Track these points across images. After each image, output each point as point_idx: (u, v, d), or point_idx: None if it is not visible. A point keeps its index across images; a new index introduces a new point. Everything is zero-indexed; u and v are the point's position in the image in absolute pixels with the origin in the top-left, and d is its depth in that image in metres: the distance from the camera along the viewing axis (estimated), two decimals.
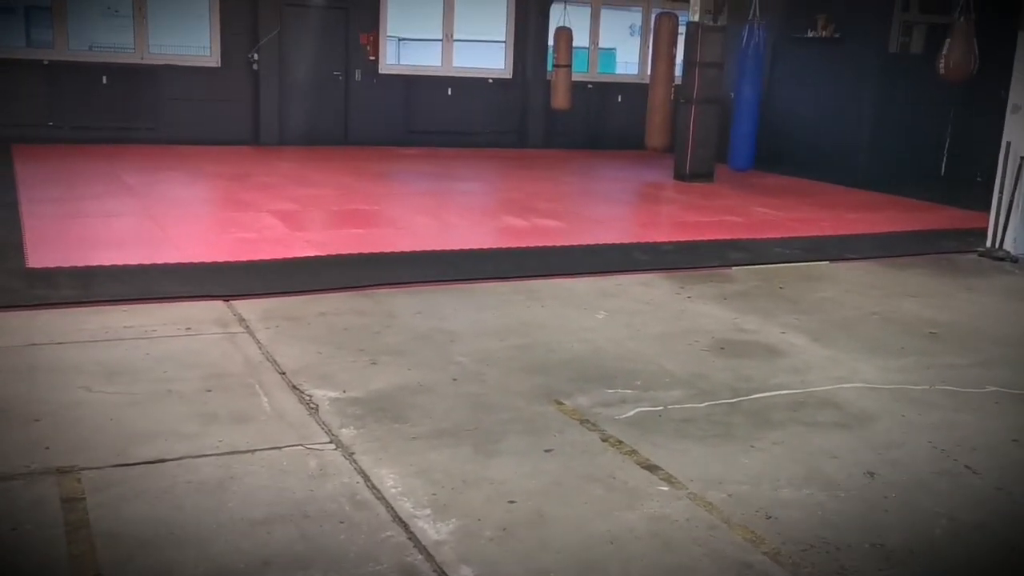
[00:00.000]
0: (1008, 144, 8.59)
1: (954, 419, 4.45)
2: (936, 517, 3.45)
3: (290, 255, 7.20)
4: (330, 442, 3.87)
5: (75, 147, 13.18)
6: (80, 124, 13.83)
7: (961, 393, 4.81)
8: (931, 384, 4.92)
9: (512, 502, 3.41)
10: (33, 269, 6.40)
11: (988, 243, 8.73)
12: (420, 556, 3.02)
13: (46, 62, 13.72)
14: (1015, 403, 4.70)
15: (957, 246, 8.94)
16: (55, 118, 13.76)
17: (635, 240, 8.69)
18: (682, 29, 13.39)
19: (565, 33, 15.71)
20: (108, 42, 15.65)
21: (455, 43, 16.41)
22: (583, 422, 4.20)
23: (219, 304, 5.82)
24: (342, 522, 3.21)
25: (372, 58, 15.41)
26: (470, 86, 16.38)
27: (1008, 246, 8.58)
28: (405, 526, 3.21)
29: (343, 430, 3.99)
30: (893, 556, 3.15)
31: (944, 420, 4.43)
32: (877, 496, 3.59)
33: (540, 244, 8.18)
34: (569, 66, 15.74)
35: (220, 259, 6.96)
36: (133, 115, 14.18)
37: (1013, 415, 4.54)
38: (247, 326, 5.40)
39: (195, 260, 6.87)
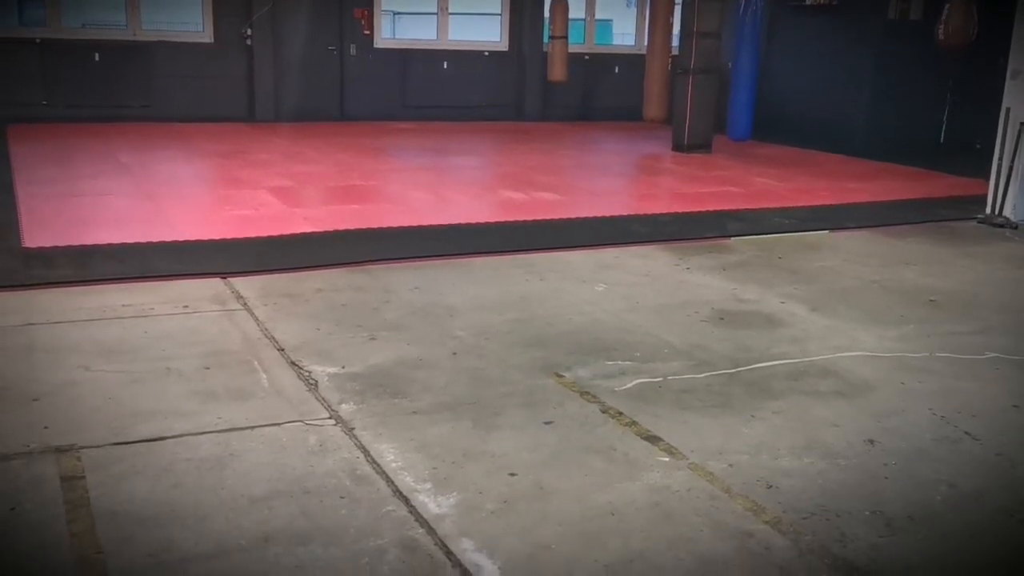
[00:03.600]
0: (1008, 110, 8.53)
1: (954, 386, 4.45)
2: (936, 484, 3.45)
3: (287, 232, 7.17)
4: (330, 418, 3.86)
5: (69, 126, 13.11)
6: (74, 103, 13.76)
7: (961, 360, 4.80)
8: (931, 352, 4.92)
9: (513, 475, 3.41)
10: (30, 249, 6.37)
11: (988, 210, 8.70)
12: (421, 530, 3.03)
13: (39, 40, 13.62)
14: (1015, 369, 4.70)
15: (956, 214, 8.91)
16: (49, 97, 13.68)
17: (633, 212, 8.66)
18: None
19: (561, 4, 15.59)
20: (100, 19, 15.52)
21: (450, 16, 16.29)
22: (583, 394, 4.20)
23: (217, 281, 5.80)
24: (342, 497, 3.21)
25: (367, 32, 15.30)
26: (466, 59, 16.28)
27: (1008, 213, 8.55)
28: (406, 500, 3.21)
29: (342, 405, 3.99)
30: (893, 523, 3.15)
31: (944, 387, 4.42)
32: (877, 464, 3.59)
33: (538, 217, 8.15)
34: (565, 38, 15.65)
35: (217, 237, 6.93)
36: (127, 93, 14.10)
37: (1013, 381, 4.54)
38: (245, 303, 5.39)
39: (192, 238, 6.84)
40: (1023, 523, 3.20)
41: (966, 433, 3.91)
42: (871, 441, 3.79)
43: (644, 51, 15.04)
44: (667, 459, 3.58)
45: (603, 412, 4.01)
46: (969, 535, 3.12)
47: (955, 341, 5.11)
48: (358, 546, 2.92)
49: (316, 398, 4.07)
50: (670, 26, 13.70)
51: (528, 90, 16.65)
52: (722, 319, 5.41)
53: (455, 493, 3.27)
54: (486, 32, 16.82)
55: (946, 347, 5.00)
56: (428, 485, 3.32)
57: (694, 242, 7.40)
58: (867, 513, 3.21)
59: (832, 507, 3.24)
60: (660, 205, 9.28)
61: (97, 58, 13.91)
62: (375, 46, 15.55)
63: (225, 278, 5.87)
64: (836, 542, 3.02)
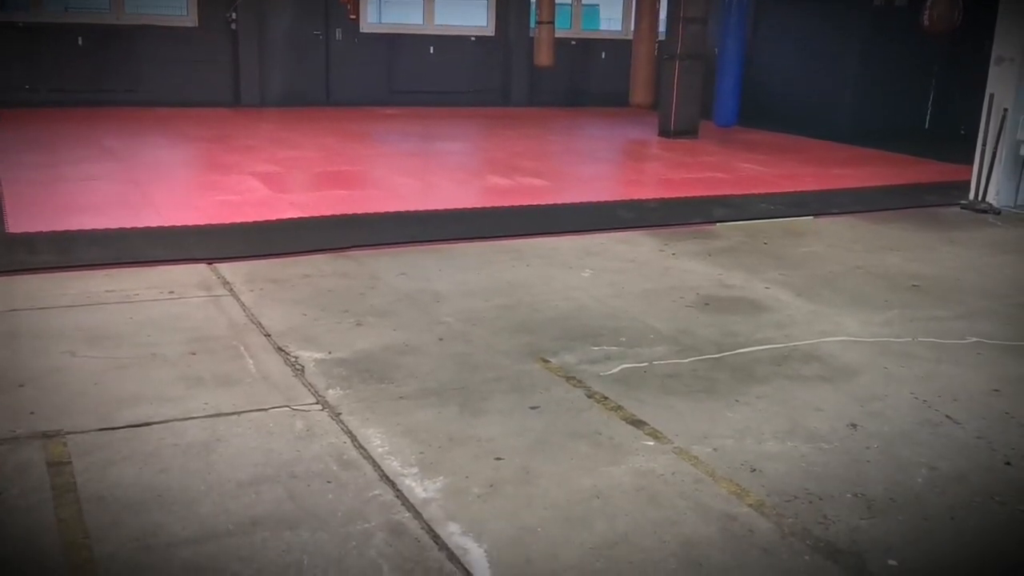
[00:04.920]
0: (991, 96, 8.58)
1: (936, 371, 4.49)
2: (917, 467, 3.49)
3: (273, 217, 7.16)
4: (316, 403, 3.87)
5: (53, 110, 13.02)
6: (58, 87, 13.65)
7: (943, 345, 4.85)
8: (914, 336, 4.96)
9: (499, 459, 3.43)
10: (13, 234, 6.34)
11: (971, 196, 8.76)
12: (408, 514, 3.04)
13: (21, 24, 13.49)
14: (996, 354, 4.75)
15: (940, 199, 8.97)
16: (32, 81, 13.57)
17: (620, 198, 8.67)
18: None
19: None
20: (83, 3, 15.37)
21: (436, 0, 16.21)
22: (568, 379, 4.22)
23: (202, 267, 5.79)
24: (329, 482, 3.23)
25: (352, 17, 15.21)
26: (452, 44, 16.23)
27: (991, 199, 8.61)
28: (392, 485, 3.22)
29: (329, 391, 3.99)
30: (875, 505, 3.19)
31: (926, 372, 4.46)
32: (860, 447, 3.63)
33: (524, 203, 8.16)
34: (552, 23, 15.59)
35: (203, 222, 6.91)
36: (111, 77, 14.00)
37: (994, 366, 4.58)
38: (231, 289, 5.38)
39: (177, 223, 6.82)
40: (1003, 504, 3.24)
41: (947, 417, 3.95)
42: (854, 425, 3.83)
43: (631, 36, 15.03)
44: (652, 443, 3.61)
45: (589, 397, 4.03)
46: (950, 516, 3.16)
47: (938, 326, 5.16)
48: (345, 530, 2.93)
49: (303, 383, 4.07)
50: (657, 11, 13.69)
51: (514, 75, 16.61)
52: (707, 304, 5.43)
53: (441, 477, 3.28)
54: (472, 17, 16.76)
55: (929, 332, 5.04)
56: (415, 470, 3.33)
57: (680, 228, 7.43)
58: (849, 496, 3.25)
59: (815, 490, 3.27)
60: (646, 191, 9.30)
61: (80, 42, 13.80)
62: (361, 31, 15.49)
63: (211, 263, 5.85)
64: (818, 524, 3.06)
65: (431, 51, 16.04)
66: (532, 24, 16.11)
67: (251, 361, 4.31)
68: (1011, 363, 4.62)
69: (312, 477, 3.25)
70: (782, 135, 13.64)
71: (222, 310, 5.02)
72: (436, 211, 7.67)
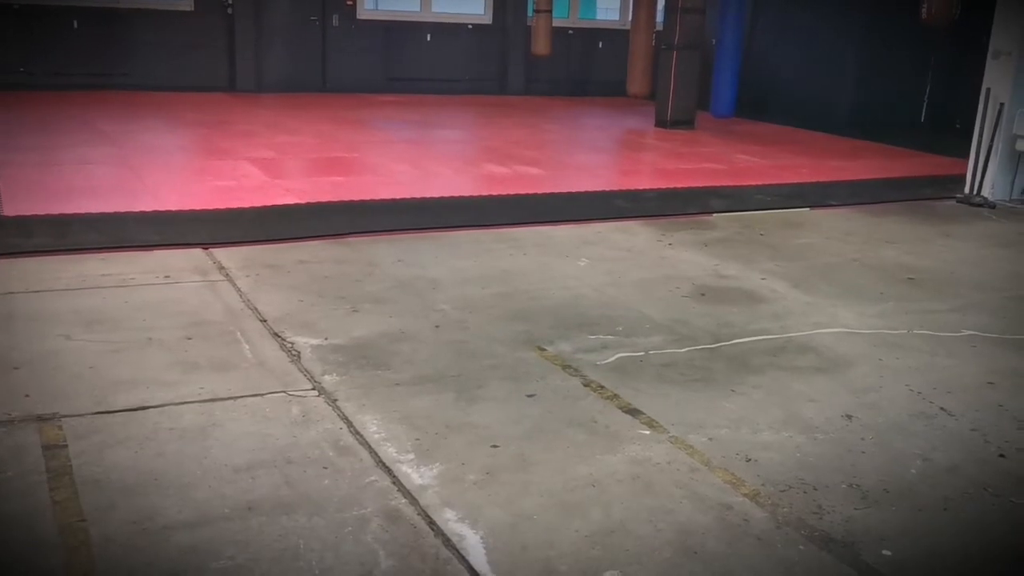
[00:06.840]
0: (988, 90, 8.59)
1: (931, 363, 4.50)
2: (911, 458, 3.51)
3: (269, 203, 7.14)
4: (312, 389, 3.87)
5: (48, 94, 12.96)
6: (53, 70, 13.58)
7: (938, 337, 4.86)
8: (909, 329, 4.97)
9: (495, 446, 3.44)
10: (8, 217, 6.32)
11: (967, 190, 8.78)
12: (404, 500, 3.05)
13: (16, 6, 13.42)
14: (990, 346, 4.76)
15: (936, 193, 8.98)
16: (27, 64, 13.50)
17: (616, 187, 8.67)
18: None
19: None
20: None
21: None
22: (565, 368, 4.22)
23: (198, 252, 5.78)
24: (326, 467, 3.23)
25: (350, 3, 15.16)
26: (450, 32, 16.18)
27: (986, 192, 8.63)
28: (389, 471, 3.23)
29: (325, 377, 3.99)
30: (869, 496, 3.20)
31: (921, 364, 4.48)
32: (854, 438, 3.64)
33: (521, 192, 8.15)
34: (550, 11, 15.57)
35: (198, 207, 6.89)
36: (107, 61, 13.93)
37: (988, 358, 4.60)
38: (227, 274, 5.37)
39: (173, 208, 6.80)
40: (996, 496, 3.26)
41: (942, 409, 3.96)
42: (848, 416, 3.84)
43: (628, 26, 15.01)
44: (648, 432, 3.61)
45: (585, 385, 4.04)
46: (943, 508, 3.17)
47: (932, 318, 5.17)
48: (341, 515, 2.93)
49: (299, 369, 4.07)
50: (655, 1, 13.67)
51: (511, 64, 16.58)
52: (703, 295, 5.44)
53: (438, 464, 3.29)
54: (470, 5, 16.70)
55: (924, 324, 5.05)
56: (411, 456, 3.34)
57: (676, 218, 7.43)
58: (844, 486, 3.26)
59: (810, 480, 3.29)
60: (643, 181, 9.29)
61: (76, 25, 13.72)
62: (358, 17, 15.43)
63: (206, 248, 5.84)
64: (813, 514, 3.07)
65: (428, 39, 15.99)
66: (530, 13, 16.08)
67: (247, 346, 4.30)
68: (1005, 356, 4.64)
69: (308, 463, 3.25)
70: (779, 127, 13.64)
71: (218, 295, 5.01)
72: (433, 198, 7.66)
